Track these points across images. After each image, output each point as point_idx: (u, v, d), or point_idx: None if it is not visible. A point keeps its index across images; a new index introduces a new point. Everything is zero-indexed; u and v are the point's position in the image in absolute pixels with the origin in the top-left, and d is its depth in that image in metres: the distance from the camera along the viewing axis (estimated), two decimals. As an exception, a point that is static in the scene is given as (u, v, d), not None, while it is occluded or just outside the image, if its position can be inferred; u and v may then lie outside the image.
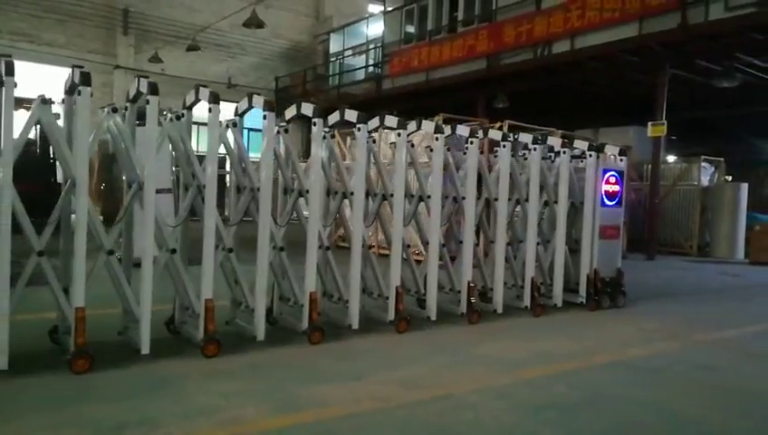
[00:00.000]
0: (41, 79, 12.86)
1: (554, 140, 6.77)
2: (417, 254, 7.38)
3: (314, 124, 4.79)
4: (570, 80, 14.64)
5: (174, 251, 4.29)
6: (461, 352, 4.84)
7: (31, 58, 17.64)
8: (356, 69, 21.69)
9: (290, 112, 5.26)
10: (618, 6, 12.71)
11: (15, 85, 3.60)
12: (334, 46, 23.18)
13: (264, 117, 4.54)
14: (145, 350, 4.05)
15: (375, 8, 23.54)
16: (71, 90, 4.05)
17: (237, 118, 4.95)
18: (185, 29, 20.58)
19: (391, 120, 5.48)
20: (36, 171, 10.80)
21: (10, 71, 3.58)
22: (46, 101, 3.81)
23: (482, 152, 6.44)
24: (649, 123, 12.92)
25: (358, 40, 22.01)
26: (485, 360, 4.65)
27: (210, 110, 4.28)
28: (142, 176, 4.04)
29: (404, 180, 5.44)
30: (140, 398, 3.45)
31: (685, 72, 13.27)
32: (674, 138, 17.85)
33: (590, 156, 6.71)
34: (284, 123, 5.17)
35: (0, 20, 18.52)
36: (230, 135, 4.90)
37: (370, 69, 20.83)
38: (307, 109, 4.97)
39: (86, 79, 3.74)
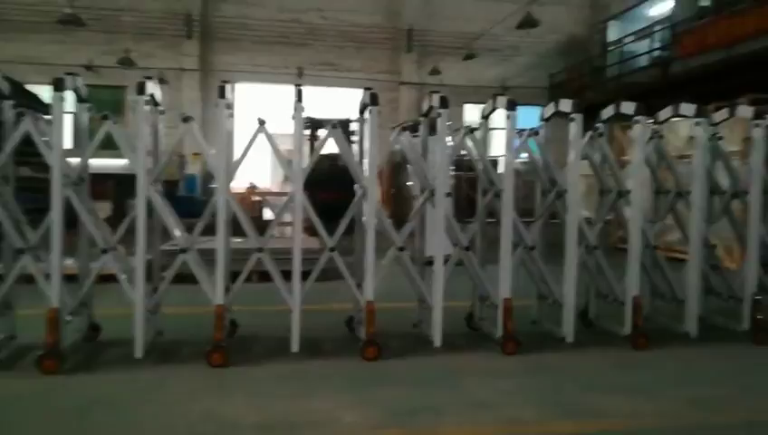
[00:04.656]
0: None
1: None
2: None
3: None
4: None
5: (468, 248, 4.58)
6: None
7: (333, 84, 20.64)
8: (637, 55, 19.98)
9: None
10: None
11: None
12: (613, 34, 21.74)
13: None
14: (437, 342, 4.32)
15: (660, -14, 21.36)
16: (362, 109, 4.62)
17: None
18: (461, 39, 21.56)
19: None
20: (340, 182, 12.62)
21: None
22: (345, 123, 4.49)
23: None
24: None
25: (638, 25, 20.27)
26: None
27: (508, 117, 4.41)
28: (433, 183, 4.41)
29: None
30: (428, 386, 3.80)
31: None
32: None
33: None
34: (599, 125, 5.02)
35: (310, 54, 21.89)
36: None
37: (655, 53, 18.99)
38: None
39: (374, 99, 4.25)
